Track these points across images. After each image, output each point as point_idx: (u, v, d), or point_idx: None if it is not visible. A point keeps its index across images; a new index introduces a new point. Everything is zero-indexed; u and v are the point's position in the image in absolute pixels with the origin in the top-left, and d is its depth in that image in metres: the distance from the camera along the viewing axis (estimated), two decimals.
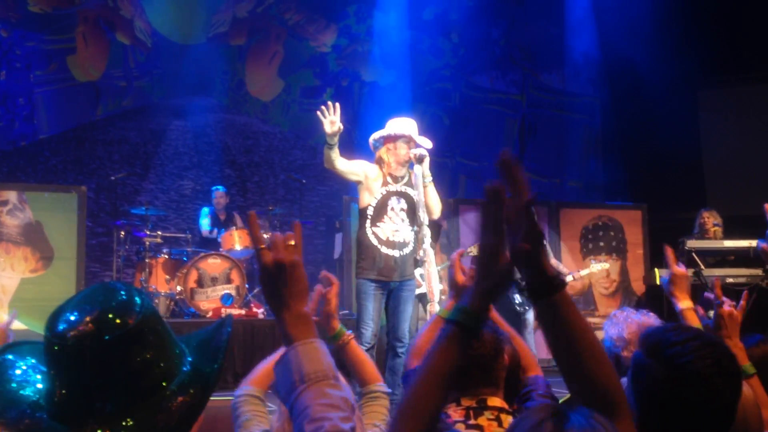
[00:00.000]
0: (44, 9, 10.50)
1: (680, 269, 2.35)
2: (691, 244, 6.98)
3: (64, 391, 1.26)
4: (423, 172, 4.94)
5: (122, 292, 1.31)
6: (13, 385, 1.33)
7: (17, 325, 6.76)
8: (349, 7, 12.08)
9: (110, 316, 1.26)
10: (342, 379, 1.29)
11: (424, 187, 4.93)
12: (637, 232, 9.30)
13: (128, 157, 11.04)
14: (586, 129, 12.75)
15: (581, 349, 1.30)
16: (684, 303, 2.31)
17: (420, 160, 4.93)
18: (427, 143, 5.06)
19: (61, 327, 1.26)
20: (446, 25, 12.35)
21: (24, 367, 1.36)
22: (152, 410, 1.26)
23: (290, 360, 1.26)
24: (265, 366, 2.19)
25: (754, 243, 6.75)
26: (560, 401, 2.16)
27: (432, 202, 5.00)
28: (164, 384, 1.29)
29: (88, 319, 1.25)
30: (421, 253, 4.96)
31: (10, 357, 1.38)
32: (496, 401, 1.94)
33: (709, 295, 2.27)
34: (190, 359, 1.37)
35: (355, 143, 10.14)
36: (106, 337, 1.24)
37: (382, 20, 11.69)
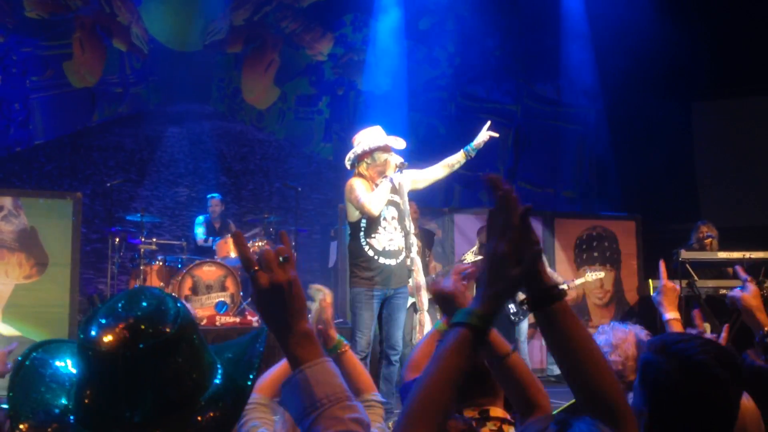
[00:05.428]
0: (41, 15, 10.51)
1: (670, 283, 2.54)
2: (685, 255, 6.99)
3: (93, 397, 1.22)
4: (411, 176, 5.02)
5: (159, 299, 1.26)
6: (42, 388, 1.28)
7: (10, 331, 6.76)
8: (346, 16, 12.13)
9: (146, 323, 1.21)
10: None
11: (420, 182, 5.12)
12: (631, 243, 9.32)
13: (123, 164, 11.03)
14: (580, 139, 12.80)
15: (581, 358, 1.33)
16: (671, 314, 2.48)
17: (402, 167, 4.96)
18: (400, 143, 5.09)
19: (94, 332, 1.21)
20: (442, 35, 12.41)
21: (54, 368, 1.32)
22: (182, 423, 1.21)
23: (299, 383, 1.20)
24: (272, 374, 2.18)
25: (747, 254, 6.78)
26: (556, 411, 2.18)
27: (436, 175, 5.26)
28: (196, 396, 1.24)
29: (122, 325, 1.20)
30: (408, 261, 4.97)
31: (40, 356, 1.33)
32: (498, 411, 1.93)
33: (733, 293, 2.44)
34: (222, 371, 1.31)
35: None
36: (141, 346, 1.19)
37: (379, 29, 11.73)
